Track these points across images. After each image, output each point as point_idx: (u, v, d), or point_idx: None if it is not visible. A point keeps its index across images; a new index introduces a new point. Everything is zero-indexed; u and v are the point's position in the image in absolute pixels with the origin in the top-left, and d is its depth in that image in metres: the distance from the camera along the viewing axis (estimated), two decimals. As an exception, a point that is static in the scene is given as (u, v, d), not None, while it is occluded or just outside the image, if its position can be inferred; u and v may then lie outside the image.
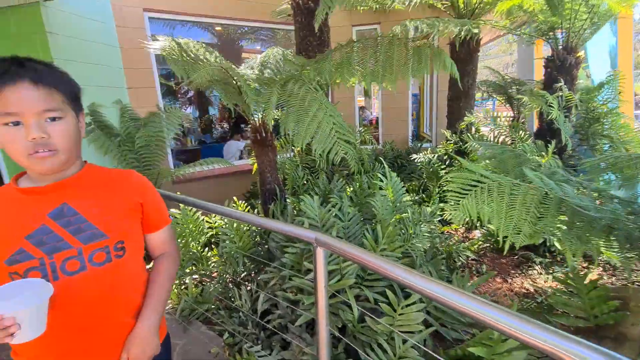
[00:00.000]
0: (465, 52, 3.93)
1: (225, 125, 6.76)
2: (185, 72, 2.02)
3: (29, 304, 0.63)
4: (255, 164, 3.44)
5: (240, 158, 5.25)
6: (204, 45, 2.57)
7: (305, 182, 3.24)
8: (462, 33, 2.72)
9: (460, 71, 3.45)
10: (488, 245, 3.01)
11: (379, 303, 1.45)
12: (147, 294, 0.88)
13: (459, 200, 1.22)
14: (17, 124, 0.67)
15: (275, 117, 2.78)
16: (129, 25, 3.80)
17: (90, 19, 3.34)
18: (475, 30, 2.67)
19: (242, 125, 5.94)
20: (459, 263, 2.54)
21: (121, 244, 0.81)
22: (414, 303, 1.40)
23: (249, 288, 2.18)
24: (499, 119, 3.31)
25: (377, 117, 9.90)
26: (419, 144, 5.07)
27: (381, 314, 1.69)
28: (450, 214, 1.28)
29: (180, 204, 2.48)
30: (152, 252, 0.97)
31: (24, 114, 0.67)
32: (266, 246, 2.41)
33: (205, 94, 6.54)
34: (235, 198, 3.12)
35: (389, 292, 1.38)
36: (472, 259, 2.81)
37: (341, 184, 2.86)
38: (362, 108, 8.00)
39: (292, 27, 5.41)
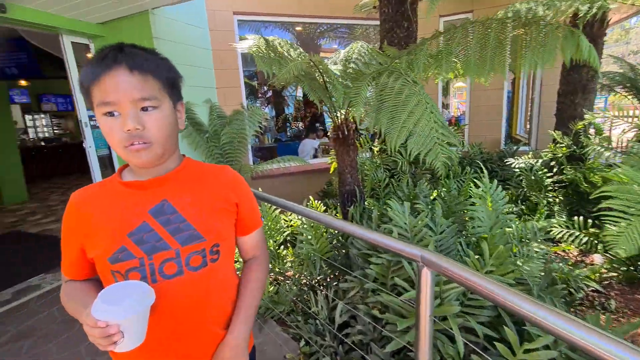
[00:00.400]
0: (587, 37, 3.23)
1: (300, 124, 6.88)
2: (271, 69, 2.00)
3: (134, 311, 0.57)
4: (334, 164, 3.35)
5: (314, 157, 5.25)
6: (288, 42, 2.55)
7: (386, 184, 3.02)
8: (594, 10, 2.20)
9: (580, 61, 2.85)
10: (615, 274, 2.41)
11: (493, 341, 1.19)
12: (237, 302, 0.80)
13: (625, 223, 0.89)
14: (112, 114, 0.63)
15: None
16: (220, 28, 4.05)
17: (189, 24, 3.63)
18: (614, 6, 2.13)
19: (317, 125, 5.95)
20: (579, 295, 2.06)
21: (216, 247, 0.74)
22: (537, 349, 1.10)
23: (324, 293, 2.06)
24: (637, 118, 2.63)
25: (455, 117, 9.12)
26: (515, 147, 4.40)
27: (484, 349, 1.41)
28: (613, 241, 0.95)
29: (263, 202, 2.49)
30: (242, 256, 0.90)
31: (120, 102, 0.62)
32: (343, 251, 2.27)
33: (281, 93, 6.74)
34: (311, 197, 3.06)
35: (507, 330, 1.10)
36: (593, 290, 2.27)
37: (427, 189, 2.57)
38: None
39: (371, 23, 5.19)
